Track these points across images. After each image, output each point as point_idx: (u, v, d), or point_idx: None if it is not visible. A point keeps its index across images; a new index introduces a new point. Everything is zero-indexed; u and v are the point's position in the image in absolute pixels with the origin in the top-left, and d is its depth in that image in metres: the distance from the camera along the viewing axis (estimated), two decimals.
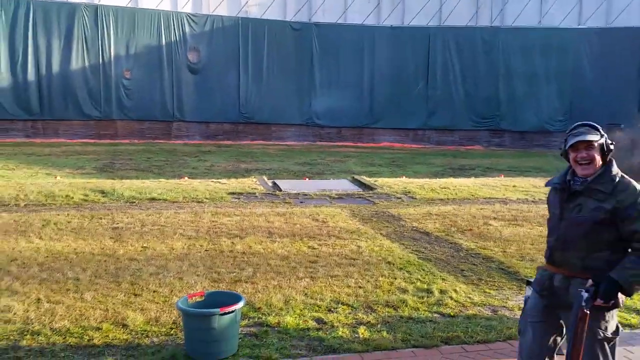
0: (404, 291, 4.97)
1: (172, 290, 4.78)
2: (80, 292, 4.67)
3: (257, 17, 23.81)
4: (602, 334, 2.53)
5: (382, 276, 5.34)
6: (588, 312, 2.42)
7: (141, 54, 23.23)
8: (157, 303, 4.49)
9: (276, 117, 24.00)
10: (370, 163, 16.45)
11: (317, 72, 23.89)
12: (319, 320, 4.28)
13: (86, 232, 6.65)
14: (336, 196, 9.57)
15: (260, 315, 4.32)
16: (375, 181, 10.97)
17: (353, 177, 11.64)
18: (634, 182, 2.60)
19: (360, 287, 5.02)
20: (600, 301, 2.46)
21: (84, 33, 22.18)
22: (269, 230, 7.01)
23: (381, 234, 7.10)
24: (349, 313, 4.45)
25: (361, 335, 4.02)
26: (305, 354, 3.73)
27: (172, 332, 3.96)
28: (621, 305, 2.55)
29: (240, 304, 3.61)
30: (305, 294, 4.79)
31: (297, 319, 4.25)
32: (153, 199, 8.75)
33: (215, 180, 10.78)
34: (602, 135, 2.63)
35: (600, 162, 2.62)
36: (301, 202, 8.94)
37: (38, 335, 3.83)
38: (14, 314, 4.16)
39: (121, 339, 3.82)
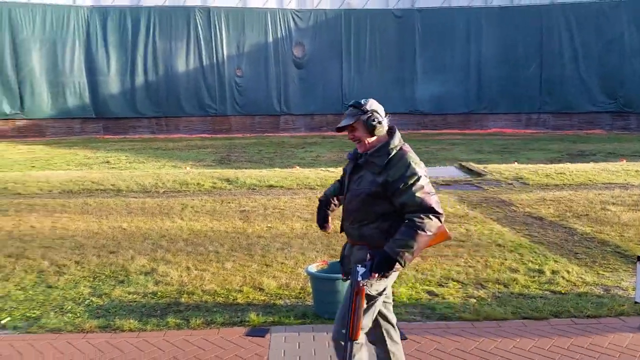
0: (515, 271, 5.14)
1: (296, 263, 5.39)
2: (221, 262, 5.44)
3: (359, 8, 24.19)
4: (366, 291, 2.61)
5: (492, 257, 5.54)
6: (364, 286, 2.52)
7: (250, 52, 24.66)
8: (286, 272, 5.12)
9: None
10: (478, 150, 16.18)
11: (421, 59, 23.71)
12: (430, 293, 4.63)
13: (219, 214, 7.54)
14: (442, 182, 9.74)
15: None
16: (485, 167, 10.94)
17: (460, 164, 11.67)
18: (408, 155, 2.61)
19: (470, 267, 5.28)
20: (376, 274, 2.54)
21: (199, 34, 24.02)
22: None
23: (491, 218, 7.22)
24: (460, 288, 4.75)
25: (472, 307, 4.31)
26: (419, 319, 4.12)
27: (300, 296, 4.55)
28: (391, 274, 2.59)
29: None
30: (416, 270, 5.15)
31: (410, 290, 4.65)
32: (271, 186, 9.55)
33: (324, 169, 11.41)
34: (364, 113, 2.63)
35: (374, 138, 2.64)
36: None
37: (192, 294, 4.60)
38: (171, 278, 5.00)
39: (259, 300, 4.47)
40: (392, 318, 2.88)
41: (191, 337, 3.79)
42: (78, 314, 4.21)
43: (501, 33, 22.62)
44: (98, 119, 23.96)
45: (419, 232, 2.48)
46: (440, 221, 2.54)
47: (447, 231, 2.66)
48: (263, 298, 4.51)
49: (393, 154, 2.61)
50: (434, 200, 2.55)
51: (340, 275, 3.93)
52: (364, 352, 2.70)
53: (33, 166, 15.52)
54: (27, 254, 5.74)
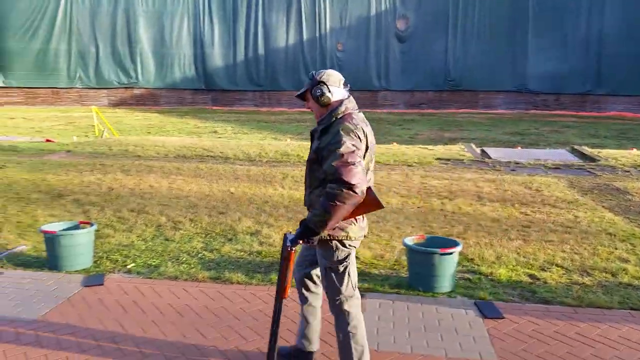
0: (625, 261, 4.85)
1: (391, 236, 5.47)
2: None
3: None
4: (327, 264, 2.74)
5: (601, 245, 5.25)
6: (293, 251, 2.65)
7: (352, 26, 24.59)
8: (380, 244, 5.23)
9: (484, 83, 23.17)
10: (594, 134, 15.07)
11: (534, 33, 22.22)
12: (531, 276, 4.51)
13: None
14: (552, 166, 9.25)
15: (473, 265, 4.73)
16: (599, 152, 10.21)
17: (572, 148, 10.98)
18: (343, 124, 2.55)
19: (576, 253, 5.04)
20: (300, 241, 2.63)
21: (303, 9, 24.34)
22: (478, 194, 7.27)
23: (603, 206, 6.79)
24: (563, 274, 4.57)
25: (575, 293, 4.15)
26: (518, 301, 4.05)
27: (395, 267, 4.64)
28: (314, 241, 2.61)
29: (459, 248, 4.09)
30: (518, 253, 5.02)
31: (510, 272, 4.56)
32: None
33: (422, 147, 11.28)
34: (312, 84, 2.67)
35: (324, 108, 2.68)
36: (512, 170, 8.90)
37: None
38: (273, 240, 5.31)
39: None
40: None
41: (292, 294, 4.04)
42: (192, 265, 4.64)
43: (626, 5, 20.56)
44: (207, 91, 25.32)
45: (330, 202, 2.44)
46: (355, 192, 2.42)
47: (380, 201, 2.56)
48: (358, 266, 4.66)
49: (332, 121, 2.63)
50: (350, 172, 2.42)
51: (438, 250, 3.99)
52: (361, 319, 2.82)
53: (149, 132, 16.87)
54: (147, 209, 6.36)
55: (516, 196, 7.15)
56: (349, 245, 2.72)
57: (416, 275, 4.14)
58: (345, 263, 2.74)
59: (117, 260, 4.73)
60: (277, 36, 24.74)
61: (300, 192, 7.33)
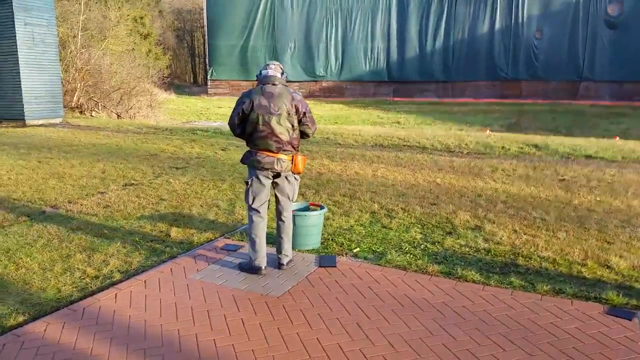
0: None
1: None
2: (551, 230, 5.03)
3: None
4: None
5: None
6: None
7: (554, 12, 22.40)
8: (634, 253, 4.42)
9: None
10: None
11: None
12: None
13: (534, 180, 7.05)
14: None
15: None
16: None
17: None
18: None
19: None
20: None
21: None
22: None
23: None
24: None
25: None
26: None
27: None
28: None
29: None
30: None
31: None
32: (589, 156, 8.52)
33: None
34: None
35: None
36: None
37: (529, 258, 4.34)
38: (500, 238, 4.83)
39: (611, 278, 3.95)
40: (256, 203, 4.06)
41: (542, 302, 3.56)
42: (417, 256, 4.41)
43: None
44: (390, 82, 25.36)
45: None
46: (233, 132, 4.06)
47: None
48: (615, 277, 3.96)
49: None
50: (230, 117, 4.04)
51: None
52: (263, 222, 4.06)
53: (336, 122, 17.38)
54: (358, 195, 6.34)
55: None
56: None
57: None
58: (247, 183, 4.05)
59: (342, 244, 4.71)
60: (470, 25, 23.67)
61: (515, 187, 6.70)
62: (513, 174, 7.42)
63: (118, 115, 18.13)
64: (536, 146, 9.20)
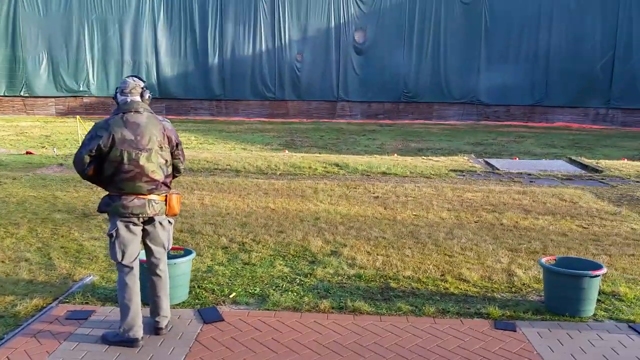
0: None
1: (479, 255, 5.22)
2: (397, 249, 5.32)
3: None
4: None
5: None
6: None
7: (311, 37, 24.49)
8: (474, 264, 4.96)
9: (439, 95, 23.87)
10: (550, 144, 15.62)
11: (485, 48, 23.10)
12: None
13: (354, 199, 7.44)
14: (563, 177, 9.48)
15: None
16: (597, 163, 10.62)
17: (570, 158, 11.34)
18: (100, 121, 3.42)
19: None
20: None
21: (263, 19, 23.92)
22: (521, 207, 7.22)
23: None
24: None
25: None
26: None
27: (516, 290, 4.37)
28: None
29: (604, 270, 3.93)
30: (616, 269, 4.90)
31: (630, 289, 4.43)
32: (384, 173, 9.42)
33: (425, 158, 11.24)
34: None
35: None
36: (531, 182, 9.03)
37: (398, 280, 4.50)
38: (361, 261, 4.91)
39: (474, 291, 4.34)
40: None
41: (437, 325, 3.71)
42: (300, 293, 4.16)
43: (573, 22, 21.91)
44: (161, 99, 24.14)
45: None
46: (80, 173, 3.30)
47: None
48: (475, 290, 4.39)
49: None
50: (77, 152, 3.28)
51: (589, 273, 3.81)
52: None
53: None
54: (197, 229, 5.73)
55: (559, 209, 7.19)
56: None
57: (560, 300, 3.93)
58: (110, 235, 3.34)
59: (213, 290, 4.15)
60: (237, 46, 24.15)
61: (342, 207, 6.97)
62: (333, 194, 7.72)
63: None
64: (337, 165, 9.81)
